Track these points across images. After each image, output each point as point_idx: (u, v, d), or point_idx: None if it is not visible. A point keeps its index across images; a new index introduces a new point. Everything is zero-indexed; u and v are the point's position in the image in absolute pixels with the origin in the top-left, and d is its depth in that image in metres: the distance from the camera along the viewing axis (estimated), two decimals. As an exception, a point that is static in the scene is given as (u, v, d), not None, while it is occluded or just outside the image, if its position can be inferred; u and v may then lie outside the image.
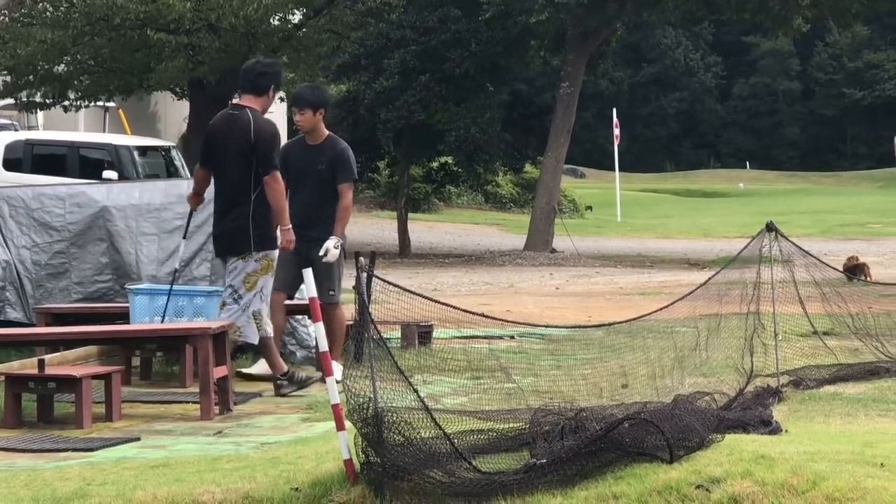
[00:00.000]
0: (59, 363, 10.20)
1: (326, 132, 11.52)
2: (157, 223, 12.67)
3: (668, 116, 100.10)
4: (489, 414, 8.17)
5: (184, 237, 11.56)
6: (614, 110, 58.69)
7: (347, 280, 10.30)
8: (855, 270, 19.57)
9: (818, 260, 12.00)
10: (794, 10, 33.30)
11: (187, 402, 10.29)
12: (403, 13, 33.16)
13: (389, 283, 7.32)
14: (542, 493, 6.57)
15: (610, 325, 11.17)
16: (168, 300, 11.22)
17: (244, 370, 11.28)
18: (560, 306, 18.56)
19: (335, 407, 7.03)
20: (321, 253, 10.88)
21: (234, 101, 10.90)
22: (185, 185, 13.22)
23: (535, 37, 34.95)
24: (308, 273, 7.38)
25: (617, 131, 56.99)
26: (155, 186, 13.46)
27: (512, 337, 13.84)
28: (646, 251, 35.99)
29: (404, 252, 33.70)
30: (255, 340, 10.51)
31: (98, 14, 28.34)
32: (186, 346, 10.65)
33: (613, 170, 59.55)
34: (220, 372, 9.93)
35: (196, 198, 10.92)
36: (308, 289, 7.37)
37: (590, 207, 55.92)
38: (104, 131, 35.53)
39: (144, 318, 11.18)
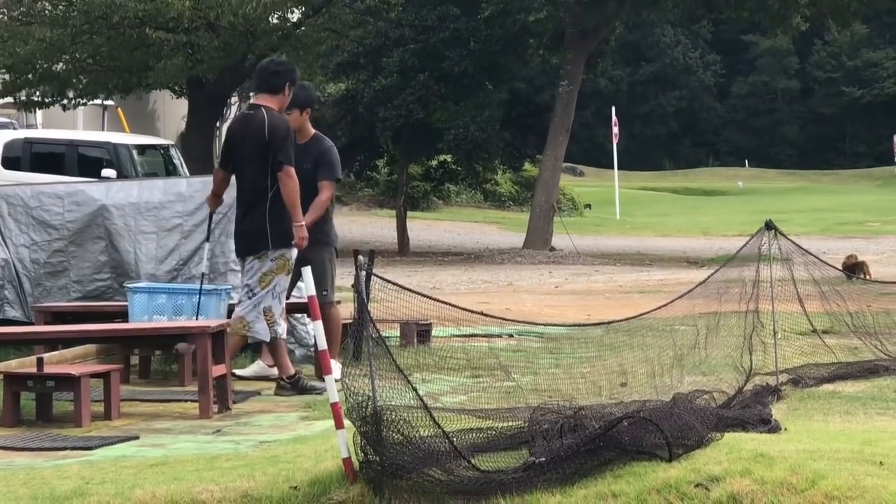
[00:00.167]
0: (57, 362, 10.19)
1: (313, 131, 11.53)
2: (155, 221, 12.66)
3: (667, 115, 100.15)
4: (488, 412, 8.17)
5: (206, 239, 11.58)
6: (613, 109, 58.70)
7: (347, 279, 10.30)
8: (854, 269, 19.57)
9: (817, 258, 12.00)
10: (793, 9, 33.30)
11: (186, 401, 10.28)
12: (402, 11, 33.17)
13: (388, 281, 7.32)
14: (541, 491, 6.57)
15: (609, 323, 11.16)
16: (199, 300, 11.18)
17: (238, 372, 11.25)
18: (559, 304, 18.56)
19: (334, 405, 7.03)
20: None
21: (251, 100, 10.92)
22: (184, 184, 13.23)
23: (533, 35, 34.95)
24: (307, 271, 7.37)
25: (616, 129, 57.01)
26: (154, 185, 13.45)
27: (511, 335, 13.83)
28: (645, 249, 36.00)
29: (403, 250, 33.70)
30: (266, 338, 10.49)
31: (97, 12, 28.36)
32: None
33: (612, 168, 59.60)
34: (218, 370, 9.93)
35: (215, 199, 10.92)
36: (307, 287, 7.37)
37: (589, 206, 55.95)
38: (103, 130, 35.58)
39: (143, 316, 11.17)
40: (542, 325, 12.95)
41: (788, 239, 11.05)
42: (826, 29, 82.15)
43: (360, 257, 7.24)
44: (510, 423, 7.58)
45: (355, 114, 33.39)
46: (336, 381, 7.13)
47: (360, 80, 33.75)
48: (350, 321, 10.14)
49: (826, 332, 12.56)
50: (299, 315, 12.18)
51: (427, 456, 6.73)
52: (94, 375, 9.68)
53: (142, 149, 26.27)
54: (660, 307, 11.25)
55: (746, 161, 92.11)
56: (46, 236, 12.72)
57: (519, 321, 12.45)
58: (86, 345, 10.83)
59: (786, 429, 8.00)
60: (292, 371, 10.71)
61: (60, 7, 29.65)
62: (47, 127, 34.82)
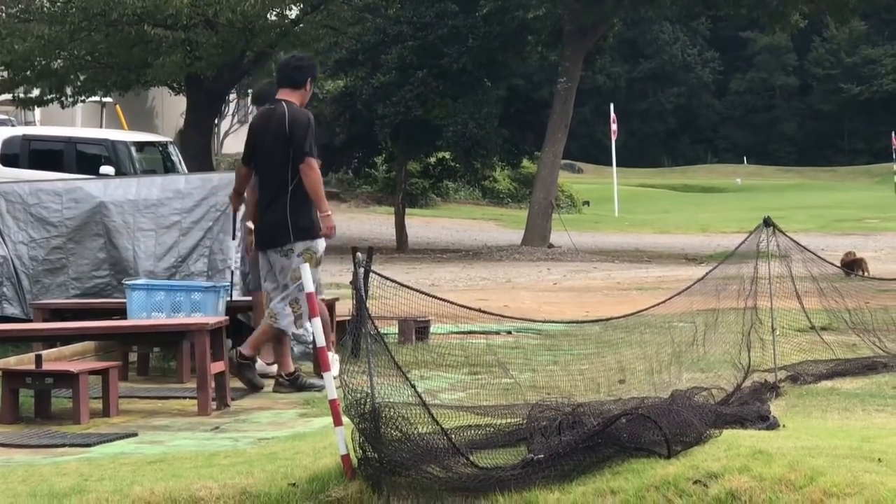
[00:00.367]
0: (56, 359, 10.20)
1: None
2: (154, 219, 12.66)
3: (666, 112, 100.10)
4: (486, 409, 8.18)
5: (232, 237, 11.59)
6: (612, 105, 58.65)
7: (345, 275, 10.30)
8: (852, 265, 19.59)
9: (815, 255, 12.00)
10: (792, 6, 33.31)
11: (185, 398, 10.28)
12: (400, 8, 33.16)
13: (387, 278, 7.32)
14: (540, 488, 6.57)
15: (607, 320, 11.16)
16: (232, 291, 11.22)
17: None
18: (557, 301, 18.56)
19: (332, 402, 7.03)
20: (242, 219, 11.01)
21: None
22: (183, 181, 13.23)
23: (532, 32, 34.94)
24: (305, 268, 7.38)
25: (614, 126, 56.98)
26: (152, 182, 13.45)
27: (509, 332, 13.83)
28: (643, 246, 35.99)
29: (402, 247, 33.69)
30: (290, 329, 10.49)
31: (95, 9, 28.34)
32: (184, 342, 10.64)
33: (611, 165, 59.55)
34: (217, 367, 9.93)
35: (237, 197, 10.96)
36: (306, 284, 7.37)
37: (587, 203, 55.97)
38: (101, 127, 35.57)
39: (141, 313, 11.18)
40: (540, 321, 12.94)
41: (787, 236, 11.05)
42: (824, 26, 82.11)
43: (359, 254, 7.25)
44: (509, 420, 7.58)
45: (354, 111, 33.37)
46: (335, 377, 7.14)
47: (358, 77, 33.73)
48: (348, 318, 10.14)
49: (824, 328, 12.56)
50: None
51: (425, 453, 6.73)
52: (92, 372, 9.68)
53: (140, 146, 26.25)
54: (658, 304, 11.26)
55: (745, 158, 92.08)
56: (45, 233, 12.72)
57: (517, 318, 12.45)
58: (84, 342, 10.82)
59: (784, 425, 8.00)
60: (292, 368, 10.72)
61: (59, 4, 29.62)
62: (46, 124, 34.80)
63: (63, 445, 8.51)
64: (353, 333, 7.11)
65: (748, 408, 8.55)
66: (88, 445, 8.47)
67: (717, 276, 11.09)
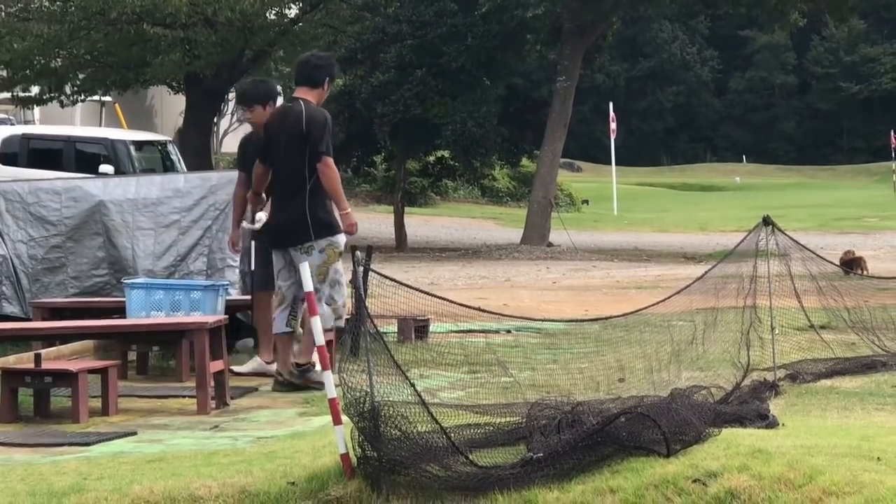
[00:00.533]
0: (55, 357, 10.20)
1: None
2: (153, 217, 12.67)
3: (665, 110, 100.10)
4: (486, 408, 8.18)
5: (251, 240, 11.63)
6: (611, 104, 58.64)
7: (345, 274, 10.29)
8: (851, 264, 19.59)
9: (814, 254, 11.99)
10: (791, 4, 33.30)
11: (184, 397, 10.28)
12: (399, 7, 33.16)
13: (386, 277, 7.32)
14: (539, 487, 6.57)
15: (607, 318, 11.16)
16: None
17: (235, 368, 11.26)
18: (557, 300, 18.56)
19: (332, 401, 7.03)
20: (249, 220, 10.96)
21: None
22: (182, 180, 13.23)
23: (531, 31, 34.94)
24: (304, 267, 7.38)
25: (613, 125, 56.97)
26: (151, 181, 13.45)
27: (508, 331, 13.83)
28: (642, 245, 36.00)
29: (401, 246, 33.69)
30: (329, 323, 10.46)
31: (94, 8, 28.35)
32: (183, 341, 10.64)
33: (610, 164, 59.56)
34: (216, 366, 9.93)
35: (255, 197, 10.90)
36: (304, 283, 7.37)
37: (586, 201, 55.97)
38: (100, 126, 35.56)
39: (141, 312, 11.18)
40: (539, 320, 12.95)
41: (786, 234, 11.04)
42: (823, 24, 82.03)
43: (358, 253, 7.24)
44: (508, 419, 7.58)
45: (353, 109, 33.36)
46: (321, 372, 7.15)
47: (357, 75, 33.71)
48: (348, 317, 10.14)
49: (823, 327, 12.56)
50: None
51: (425, 452, 6.74)
52: (91, 371, 9.68)
53: (139, 145, 26.26)
54: (657, 303, 11.25)
55: (744, 156, 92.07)
56: (44, 232, 12.72)
57: (516, 317, 12.46)
58: (83, 341, 10.82)
59: (783, 424, 8.00)
60: (290, 368, 10.71)
61: (58, 3, 29.64)
62: (45, 123, 34.81)
63: (62, 444, 8.50)
64: (352, 332, 7.11)
65: (747, 406, 8.55)
66: (87, 444, 8.47)
67: (716, 275, 11.09)
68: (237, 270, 12.34)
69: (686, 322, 11.40)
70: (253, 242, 11.51)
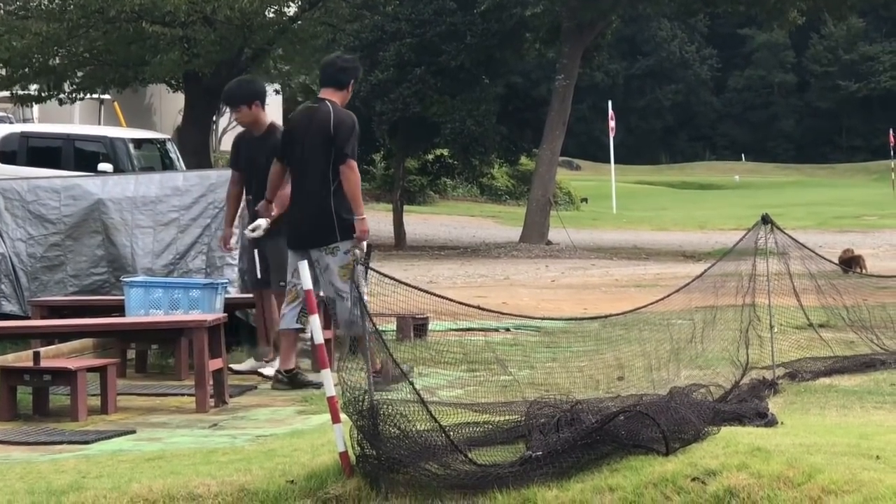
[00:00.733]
0: (54, 356, 10.20)
1: (268, 121, 11.53)
2: (152, 216, 12.66)
3: (664, 109, 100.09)
4: (485, 406, 8.18)
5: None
6: (610, 103, 58.59)
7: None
8: (850, 263, 19.57)
9: (813, 252, 12.00)
10: (790, 3, 33.31)
11: (183, 395, 10.28)
12: (398, 5, 33.15)
13: (385, 275, 7.32)
14: (538, 485, 6.57)
15: (606, 317, 11.16)
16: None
17: (234, 366, 11.25)
18: (556, 298, 18.56)
19: (331, 399, 7.03)
20: (249, 228, 10.95)
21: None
22: (181, 178, 13.23)
23: (530, 29, 34.94)
24: (304, 266, 7.39)
25: (612, 123, 56.93)
26: (150, 179, 13.44)
27: (508, 329, 13.82)
28: (641, 243, 35.99)
29: (400, 244, 33.69)
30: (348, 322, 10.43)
31: (93, 7, 28.35)
32: (182, 339, 10.64)
33: (609, 162, 59.53)
34: (215, 364, 9.93)
35: (269, 204, 10.82)
36: (304, 282, 7.37)
37: (585, 200, 55.94)
38: (99, 124, 35.54)
39: (140, 310, 11.18)
40: (538, 318, 12.95)
41: (785, 233, 11.04)
42: (822, 23, 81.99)
43: (357, 251, 7.25)
44: (507, 417, 7.58)
45: (352, 108, 33.24)
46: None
47: (356, 74, 33.67)
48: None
49: (822, 326, 12.55)
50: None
51: (424, 450, 6.74)
52: (90, 369, 9.68)
53: (138, 143, 26.25)
54: (656, 301, 11.24)
55: (743, 155, 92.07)
56: (43, 230, 12.72)
57: (515, 315, 12.45)
58: (82, 339, 10.82)
59: (782, 423, 8.00)
60: (291, 366, 10.70)
61: (57, 1, 29.63)
62: (44, 121, 34.79)
63: (61, 442, 8.50)
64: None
65: (746, 405, 8.55)
66: (86, 442, 8.47)
67: (715, 274, 11.08)
68: (236, 269, 12.34)
69: (685, 320, 11.39)
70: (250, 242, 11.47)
